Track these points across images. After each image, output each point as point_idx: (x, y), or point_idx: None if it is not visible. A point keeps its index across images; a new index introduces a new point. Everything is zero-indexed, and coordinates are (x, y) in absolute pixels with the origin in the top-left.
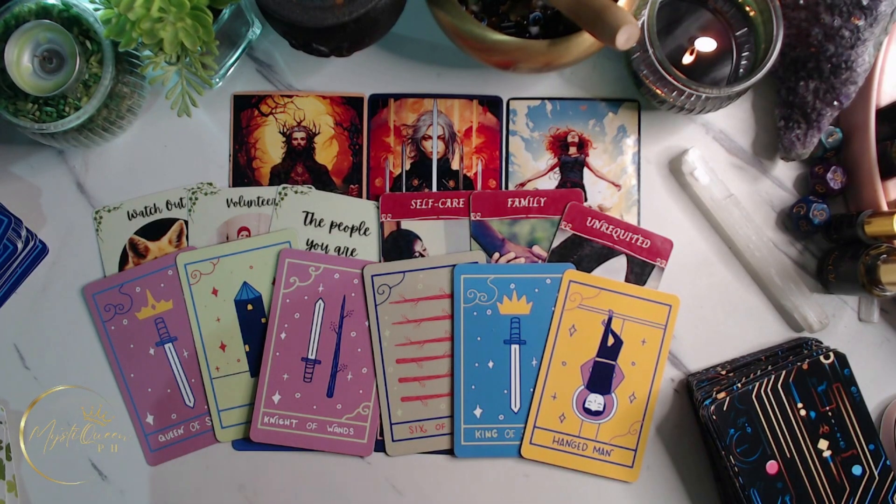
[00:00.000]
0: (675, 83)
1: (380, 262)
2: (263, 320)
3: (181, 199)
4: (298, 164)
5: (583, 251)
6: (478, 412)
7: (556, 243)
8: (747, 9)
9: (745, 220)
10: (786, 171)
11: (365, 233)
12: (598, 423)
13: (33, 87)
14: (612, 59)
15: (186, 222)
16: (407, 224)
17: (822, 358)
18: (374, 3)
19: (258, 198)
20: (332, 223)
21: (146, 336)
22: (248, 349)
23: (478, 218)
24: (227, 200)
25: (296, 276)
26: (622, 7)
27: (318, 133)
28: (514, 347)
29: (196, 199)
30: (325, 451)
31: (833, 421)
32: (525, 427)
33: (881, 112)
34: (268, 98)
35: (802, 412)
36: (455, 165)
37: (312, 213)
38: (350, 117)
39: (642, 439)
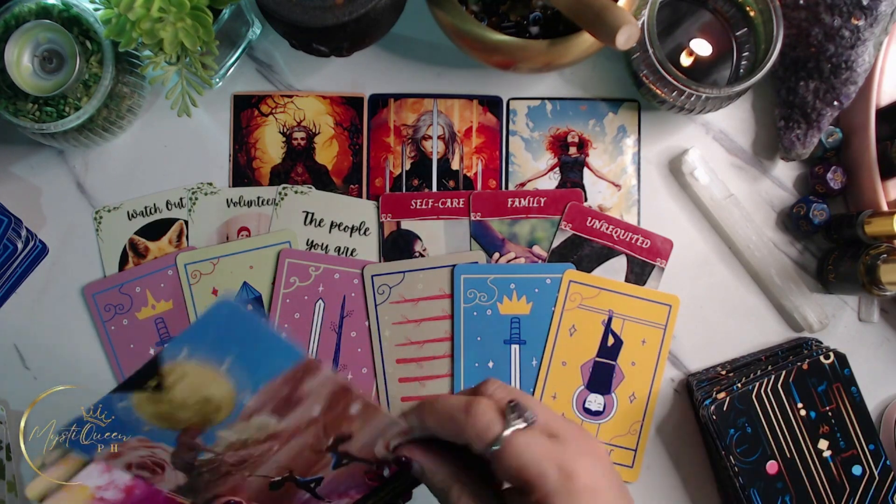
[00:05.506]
0: (675, 83)
1: (380, 262)
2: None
3: (181, 199)
4: (298, 164)
5: (583, 251)
6: None
7: (556, 243)
8: (747, 9)
9: (745, 220)
10: (786, 171)
11: (365, 233)
12: (598, 423)
13: (33, 87)
14: (612, 59)
15: (186, 222)
16: (407, 224)
17: (822, 358)
18: (374, 3)
19: (258, 198)
20: (332, 223)
21: (146, 336)
22: None
23: (478, 218)
24: (227, 200)
25: (296, 276)
26: (622, 7)
27: (318, 133)
28: (514, 347)
29: (196, 199)
30: None
31: (833, 421)
32: None
33: (881, 112)
34: (268, 98)
35: (802, 412)
36: (455, 165)
37: (312, 213)
38: (350, 117)
39: (642, 439)
